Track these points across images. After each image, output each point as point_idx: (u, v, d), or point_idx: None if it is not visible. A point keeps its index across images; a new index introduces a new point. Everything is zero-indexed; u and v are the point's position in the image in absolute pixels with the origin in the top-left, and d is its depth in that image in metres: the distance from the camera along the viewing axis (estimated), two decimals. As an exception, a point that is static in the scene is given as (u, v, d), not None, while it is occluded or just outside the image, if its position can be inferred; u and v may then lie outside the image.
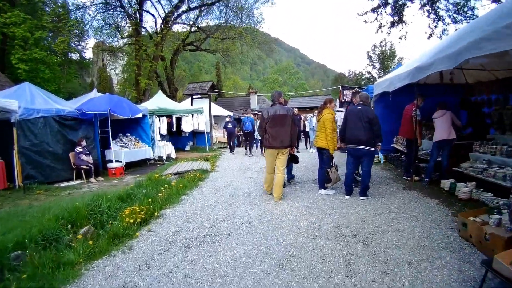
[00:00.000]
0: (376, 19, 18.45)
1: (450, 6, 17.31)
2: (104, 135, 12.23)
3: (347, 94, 15.52)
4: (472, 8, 16.91)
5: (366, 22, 18.82)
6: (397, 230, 5.35)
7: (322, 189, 7.77)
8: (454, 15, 17.25)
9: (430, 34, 17.97)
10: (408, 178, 8.75)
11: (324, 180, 7.67)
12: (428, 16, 17.58)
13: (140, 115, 13.20)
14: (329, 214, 6.24)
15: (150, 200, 6.96)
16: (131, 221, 5.75)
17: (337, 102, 15.79)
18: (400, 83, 8.51)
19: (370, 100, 7.50)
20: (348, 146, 7.24)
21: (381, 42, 40.98)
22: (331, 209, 6.57)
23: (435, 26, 17.66)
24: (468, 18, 16.62)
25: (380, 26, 18.60)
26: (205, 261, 4.55)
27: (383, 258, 4.44)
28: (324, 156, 7.61)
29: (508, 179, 6.17)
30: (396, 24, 18.22)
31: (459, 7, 16.96)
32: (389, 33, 18.88)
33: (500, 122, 7.62)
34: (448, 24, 17.63)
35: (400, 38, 18.60)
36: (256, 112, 21.99)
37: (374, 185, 8.10)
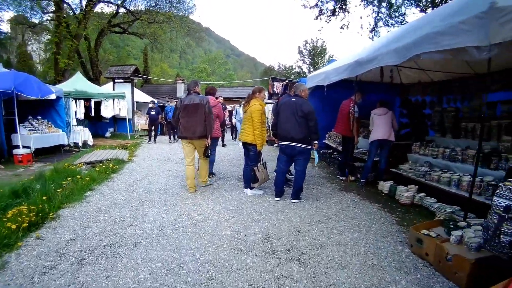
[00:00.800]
0: (317, 4, 17.64)
1: (383, 10, 17.39)
2: (10, 117, 10.26)
3: (277, 86, 14.72)
4: (403, 14, 17.15)
5: (305, 6, 17.90)
6: (338, 243, 4.39)
7: (248, 189, 6.70)
8: (387, 18, 17.31)
9: (373, 31, 17.81)
10: (343, 178, 8.00)
11: (250, 179, 6.59)
12: (367, 4, 17.29)
13: (52, 96, 11.58)
14: (256, 221, 5.15)
15: (45, 197, 5.61)
16: (14, 226, 4.43)
17: (266, 94, 15.03)
18: (337, 77, 7.82)
19: (308, 92, 6.56)
20: (280, 143, 6.22)
21: (322, 34, 41.64)
22: (258, 214, 5.48)
23: (373, 29, 17.57)
24: (399, 23, 16.82)
25: (320, 13, 17.81)
26: (100, 284, 3.30)
27: (326, 283, 3.43)
28: (251, 153, 6.55)
29: (453, 185, 5.56)
30: (338, 13, 17.63)
31: (391, 10, 17.03)
32: (328, 21, 18.09)
33: (440, 124, 7.12)
34: (380, 26, 17.71)
35: (341, 27, 17.82)
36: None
37: (307, 185, 7.18)
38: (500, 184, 3.02)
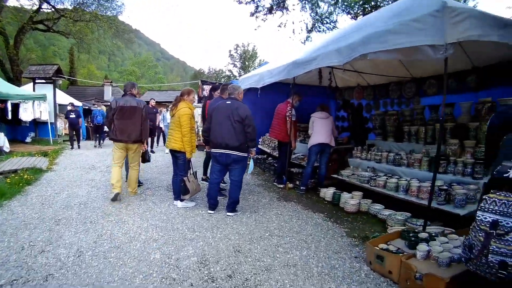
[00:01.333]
0: (253, 0, 17.00)
1: (315, 15, 17.40)
2: None
3: (207, 89, 14.02)
4: (335, 21, 17.35)
5: (240, 2, 17.05)
6: (287, 264, 3.69)
7: (178, 201, 5.79)
8: (319, 24, 17.39)
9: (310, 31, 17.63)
10: (281, 186, 7.40)
11: (180, 191, 5.70)
12: (302, 7, 17.11)
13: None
14: (189, 240, 4.28)
15: None
16: None
17: (196, 97, 14.24)
18: (272, 79, 7.38)
19: (242, 94, 5.91)
20: (213, 151, 5.42)
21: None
22: (191, 231, 4.61)
23: (310, 30, 17.47)
24: (330, 30, 16.94)
25: (256, 9, 17.18)
26: None
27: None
28: (179, 161, 5.69)
29: (401, 190, 5.19)
30: (275, 10, 17.12)
31: (323, 17, 17.13)
32: (265, 20, 17.57)
33: (382, 128, 6.84)
34: (311, 31, 17.70)
35: (279, 26, 17.38)
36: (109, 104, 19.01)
37: (242, 194, 6.37)
38: (484, 197, 2.53)
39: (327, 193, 6.31)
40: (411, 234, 3.74)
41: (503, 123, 3.06)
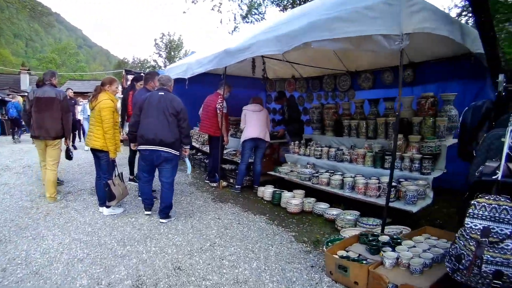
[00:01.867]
0: None
1: (245, 7, 17.08)
2: None
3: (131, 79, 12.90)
4: (263, 13, 17.19)
5: None
6: (237, 281, 3.14)
7: (104, 208, 4.93)
8: (247, 14, 17.10)
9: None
10: (214, 184, 6.79)
11: (105, 196, 4.85)
12: None
13: None
14: (121, 257, 3.52)
15: None
16: None
17: (120, 88, 12.99)
18: (201, 68, 6.83)
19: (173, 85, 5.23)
20: (141, 147, 4.69)
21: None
22: (122, 245, 3.84)
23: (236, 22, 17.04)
24: (258, 21, 16.73)
25: None
26: None
27: None
28: (102, 162, 4.83)
29: (347, 188, 4.93)
30: None
31: (252, 8, 16.83)
32: (195, 2, 16.66)
33: (319, 121, 6.57)
34: (240, 22, 17.37)
35: (212, 8, 16.59)
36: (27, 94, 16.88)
37: (174, 195, 5.65)
38: (473, 202, 2.24)
39: (266, 192, 5.87)
40: (371, 238, 3.43)
41: (481, 119, 2.86)
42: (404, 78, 6.47)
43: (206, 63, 6.63)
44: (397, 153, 4.78)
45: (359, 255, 3.28)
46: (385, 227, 3.95)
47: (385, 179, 4.59)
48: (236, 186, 6.43)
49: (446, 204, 5.17)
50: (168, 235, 4.20)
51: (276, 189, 5.83)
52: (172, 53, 40.30)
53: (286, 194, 5.52)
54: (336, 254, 3.27)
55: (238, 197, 6.06)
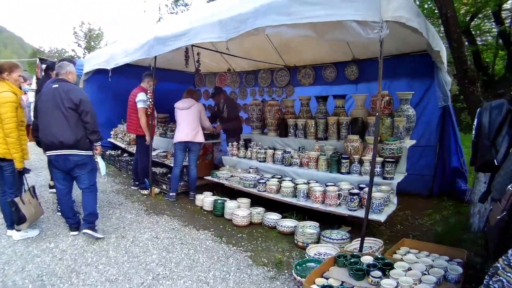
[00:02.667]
0: None
1: None
2: None
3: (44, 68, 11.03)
4: (188, 4, 17.11)
5: None
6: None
7: (14, 231, 3.84)
8: (172, 5, 16.63)
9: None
10: (146, 192, 5.84)
11: (13, 218, 3.73)
12: None
13: None
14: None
15: None
16: None
17: (34, 80, 11.21)
18: (127, 58, 5.88)
19: (76, 75, 4.21)
20: (47, 153, 3.83)
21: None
22: (39, 286, 2.88)
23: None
24: (183, 11, 16.29)
25: None
26: None
27: None
28: (6, 174, 3.77)
29: (301, 196, 4.43)
30: None
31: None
32: None
33: (260, 120, 6.00)
34: (164, 13, 16.78)
35: None
36: None
37: (100, 207, 4.63)
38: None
39: (206, 201, 5.14)
40: (352, 260, 2.94)
41: (502, 122, 2.49)
42: (347, 75, 6.22)
43: (132, 52, 5.66)
44: (355, 156, 4.44)
45: (342, 282, 2.78)
46: (353, 241, 3.56)
47: (345, 186, 4.21)
48: (171, 194, 5.59)
49: (400, 207, 4.95)
50: (98, 266, 3.30)
51: (217, 198, 5.15)
52: (92, 43, 36.92)
53: (230, 204, 4.86)
54: (315, 284, 2.73)
55: (175, 207, 5.26)
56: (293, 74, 6.99)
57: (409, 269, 2.72)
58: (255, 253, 3.76)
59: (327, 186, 4.30)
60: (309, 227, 4.05)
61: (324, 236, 3.82)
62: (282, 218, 4.52)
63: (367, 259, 2.93)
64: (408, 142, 4.53)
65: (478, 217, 4.05)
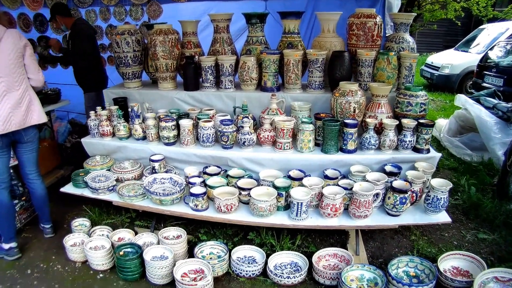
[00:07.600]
0: None
1: None
2: None
3: None
4: None
5: None
6: None
7: None
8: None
9: None
10: None
11: None
12: None
13: None
14: None
15: None
16: None
17: None
18: None
19: None
20: None
21: None
22: None
23: None
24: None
25: None
26: None
27: None
28: None
29: (299, 210, 2.47)
30: None
31: None
32: None
33: (140, 62, 3.29)
34: None
35: None
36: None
37: None
38: None
39: (93, 255, 2.57)
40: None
41: None
42: None
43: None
44: (369, 120, 2.69)
45: None
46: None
47: (361, 173, 2.51)
48: (5, 247, 2.68)
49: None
50: None
51: (122, 244, 2.64)
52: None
53: (155, 254, 2.52)
54: None
55: (25, 276, 2.52)
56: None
57: None
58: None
59: (326, 178, 2.54)
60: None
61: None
62: (268, 253, 2.55)
63: None
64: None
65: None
